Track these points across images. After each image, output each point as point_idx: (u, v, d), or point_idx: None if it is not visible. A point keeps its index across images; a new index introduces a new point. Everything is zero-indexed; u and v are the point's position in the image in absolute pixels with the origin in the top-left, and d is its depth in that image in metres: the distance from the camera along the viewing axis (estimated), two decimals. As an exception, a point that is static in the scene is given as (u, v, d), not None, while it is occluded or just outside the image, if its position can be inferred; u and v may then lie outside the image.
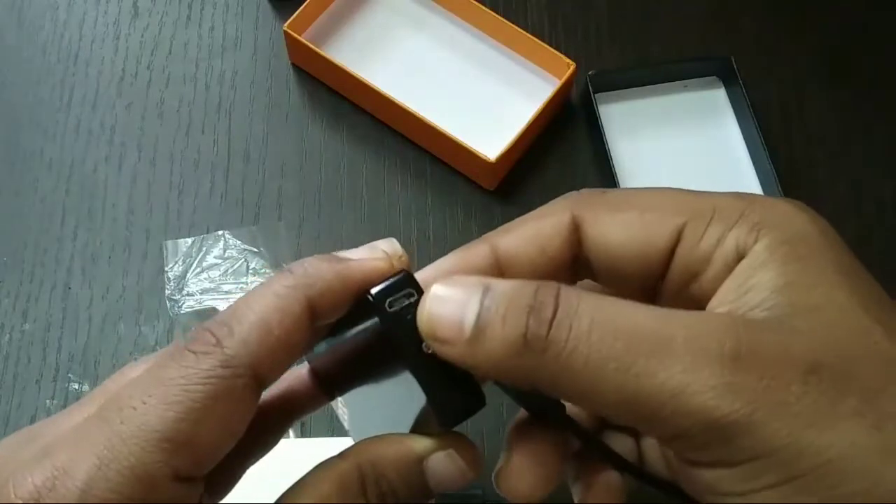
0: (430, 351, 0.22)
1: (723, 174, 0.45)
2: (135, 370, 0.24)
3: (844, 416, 0.19)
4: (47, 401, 0.39)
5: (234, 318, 0.22)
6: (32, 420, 0.39)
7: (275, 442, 0.26)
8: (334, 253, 0.24)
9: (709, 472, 0.20)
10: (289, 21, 0.44)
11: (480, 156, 0.41)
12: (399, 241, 0.45)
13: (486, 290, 0.21)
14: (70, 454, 0.21)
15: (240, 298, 0.23)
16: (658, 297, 0.24)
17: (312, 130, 0.46)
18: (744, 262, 0.22)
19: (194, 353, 0.21)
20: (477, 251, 0.24)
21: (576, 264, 0.24)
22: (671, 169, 0.45)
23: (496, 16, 0.45)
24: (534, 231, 0.24)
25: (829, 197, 0.45)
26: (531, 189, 0.44)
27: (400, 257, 0.24)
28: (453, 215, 0.44)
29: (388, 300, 0.23)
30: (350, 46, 0.46)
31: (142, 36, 0.48)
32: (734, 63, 0.45)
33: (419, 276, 0.24)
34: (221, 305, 0.41)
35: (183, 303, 0.41)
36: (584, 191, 0.25)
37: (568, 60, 0.44)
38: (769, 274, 0.21)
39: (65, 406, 0.39)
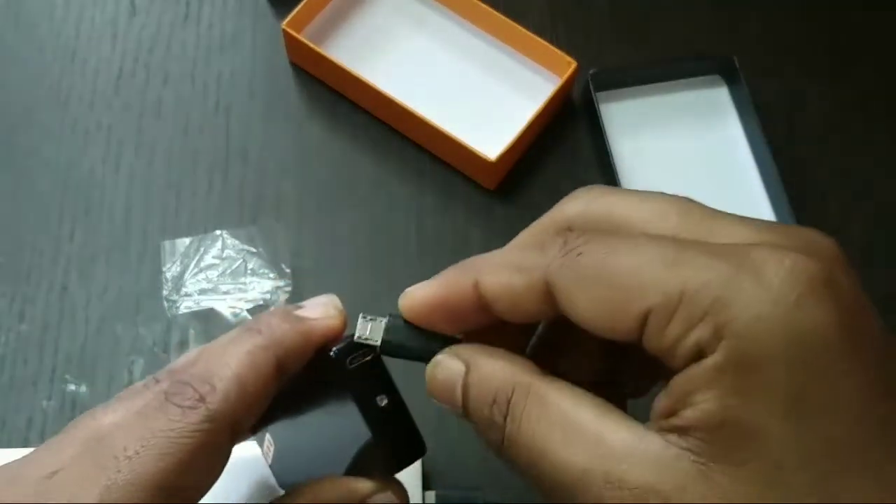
0: (383, 404, 0.26)
1: (725, 173, 0.45)
2: (109, 414, 0.25)
3: None
4: (44, 402, 0.39)
5: (214, 375, 0.25)
6: (29, 422, 0.39)
7: None
8: (291, 309, 0.27)
9: None
10: (287, 19, 0.44)
11: (481, 155, 0.41)
12: (398, 239, 0.45)
13: (467, 376, 0.24)
14: (71, 497, 0.23)
15: (213, 352, 0.26)
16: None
17: (311, 129, 0.45)
18: (693, 370, 0.21)
19: (180, 407, 0.24)
20: (463, 284, 0.25)
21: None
22: (673, 168, 0.44)
23: (497, 14, 0.45)
24: (509, 286, 0.24)
25: (832, 195, 0.44)
26: (532, 189, 0.44)
27: (341, 313, 0.27)
28: (453, 215, 0.43)
29: (349, 358, 0.25)
30: (349, 45, 0.46)
31: (139, 34, 0.47)
32: (736, 61, 0.45)
33: (409, 294, 0.26)
34: (219, 306, 0.40)
35: (181, 303, 0.41)
36: (558, 246, 0.24)
37: (569, 59, 0.43)
38: (709, 404, 0.20)
39: (61, 407, 0.39)
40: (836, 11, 0.49)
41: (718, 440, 0.20)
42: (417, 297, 0.26)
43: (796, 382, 0.20)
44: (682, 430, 0.21)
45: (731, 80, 0.46)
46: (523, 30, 0.45)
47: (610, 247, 0.23)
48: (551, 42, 0.45)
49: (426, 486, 0.35)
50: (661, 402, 0.22)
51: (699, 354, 0.21)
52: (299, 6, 0.44)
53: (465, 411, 0.25)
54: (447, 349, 0.25)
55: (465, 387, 0.24)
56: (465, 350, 0.25)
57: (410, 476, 0.35)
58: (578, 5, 0.48)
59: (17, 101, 0.46)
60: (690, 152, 0.45)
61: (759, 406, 0.20)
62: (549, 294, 0.23)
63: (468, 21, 0.47)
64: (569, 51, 0.44)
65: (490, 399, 0.24)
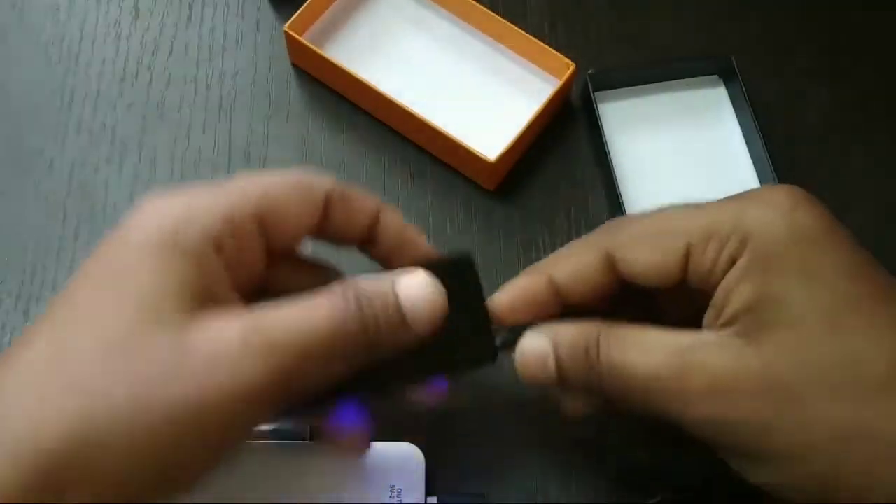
0: (468, 310, 0.30)
1: (722, 173, 0.45)
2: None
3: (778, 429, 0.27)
4: (48, 400, 0.40)
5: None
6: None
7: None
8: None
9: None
10: (289, 22, 0.44)
11: (480, 156, 0.41)
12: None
13: (555, 344, 0.30)
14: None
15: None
16: (684, 292, 0.31)
17: (313, 131, 0.46)
18: (729, 275, 0.28)
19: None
20: (538, 281, 0.31)
21: (618, 282, 0.31)
22: (671, 168, 0.45)
23: (496, 16, 0.45)
24: (577, 269, 0.31)
25: (831, 195, 0.44)
26: (531, 189, 0.44)
27: None
28: (453, 215, 0.44)
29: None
30: (350, 47, 0.46)
31: (142, 37, 0.48)
32: (734, 61, 0.45)
33: (495, 298, 0.32)
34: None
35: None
36: (610, 225, 0.32)
37: (567, 61, 0.44)
38: (744, 291, 0.28)
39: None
40: (836, 11, 0.49)
41: (756, 316, 0.27)
42: (503, 300, 0.32)
43: (804, 260, 0.28)
44: (727, 324, 0.28)
45: (729, 80, 0.46)
46: (522, 32, 0.45)
47: (648, 215, 0.31)
48: (551, 44, 0.45)
49: (429, 491, 0.35)
50: (708, 315, 0.29)
51: (733, 263, 0.28)
52: (301, 9, 0.45)
53: (560, 373, 0.30)
54: (525, 334, 0.31)
55: (558, 353, 0.30)
56: (542, 329, 0.31)
57: (413, 481, 0.35)
58: (577, 8, 0.49)
59: (21, 102, 0.46)
60: (688, 152, 0.45)
61: (780, 281, 0.27)
62: (610, 264, 0.31)
63: (468, 23, 0.47)
64: (568, 52, 0.44)
65: (583, 350, 0.30)
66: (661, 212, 0.31)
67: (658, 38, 0.48)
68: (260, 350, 0.24)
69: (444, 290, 0.28)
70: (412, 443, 0.36)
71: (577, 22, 0.48)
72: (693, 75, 0.46)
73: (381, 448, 0.36)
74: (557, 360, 0.30)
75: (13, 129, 0.45)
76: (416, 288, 0.27)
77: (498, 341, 0.32)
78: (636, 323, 0.30)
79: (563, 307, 0.32)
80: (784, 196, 0.29)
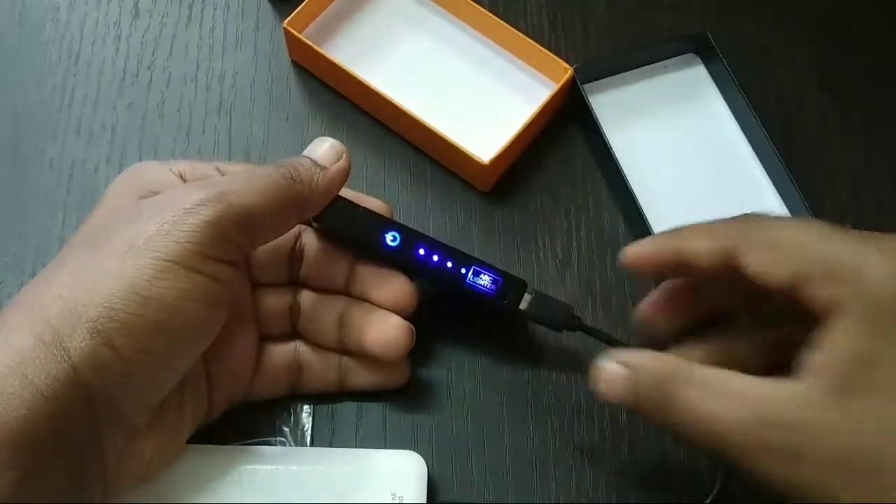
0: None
1: (720, 150, 0.45)
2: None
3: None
4: (49, 400, 0.40)
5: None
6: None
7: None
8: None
9: None
10: (289, 18, 0.44)
11: (474, 158, 0.41)
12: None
13: (635, 372, 0.31)
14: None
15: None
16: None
17: (313, 131, 0.46)
18: (834, 321, 0.28)
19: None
20: (671, 244, 0.33)
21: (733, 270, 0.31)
22: (670, 154, 0.45)
23: (495, 18, 0.45)
24: (693, 247, 0.32)
25: (828, 194, 0.44)
26: (531, 190, 0.44)
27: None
28: (453, 216, 0.44)
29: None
30: (350, 46, 0.46)
31: (142, 36, 0.48)
32: (711, 38, 0.45)
33: (630, 247, 0.34)
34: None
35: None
36: (748, 219, 0.32)
37: (566, 65, 0.44)
38: (843, 343, 0.27)
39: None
40: (834, 11, 0.49)
41: (850, 375, 0.27)
42: (638, 249, 0.34)
43: None
44: (819, 373, 0.28)
45: (709, 58, 0.46)
46: (522, 35, 0.45)
47: (781, 220, 0.33)
48: (550, 45, 0.45)
49: (431, 499, 0.36)
50: (802, 355, 0.28)
51: (832, 308, 0.28)
52: (301, 6, 0.45)
53: (634, 398, 0.31)
54: (606, 356, 0.32)
55: (635, 384, 0.31)
56: (621, 356, 0.32)
57: (415, 489, 0.35)
58: (577, 10, 0.49)
59: (21, 102, 0.46)
60: (682, 134, 0.45)
61: (884, 345, 0.27)
62: (731, 256, 0.31)
63: (468, 24, 0.47)
64: (568, 53, 0.44)
65: (657, 387, 0.30)
66: (798, 224, 0.31)
67: (657, 41, 0.48)
68: (215, 198, 0.31)
69: (341, 146, 0.36)
70: (414, 451, 0.36)
71: (576, 25, 0.48)
72: (670, 55, 0.46)
73: (383, 456, 0.36)
74: (634, 389, 0.31)
75: (13, 129, 0.45)
76: (319, 144, 0.36)
77: (524, 303, 0.37)
78: (712, 364, 0.30)
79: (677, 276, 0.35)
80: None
